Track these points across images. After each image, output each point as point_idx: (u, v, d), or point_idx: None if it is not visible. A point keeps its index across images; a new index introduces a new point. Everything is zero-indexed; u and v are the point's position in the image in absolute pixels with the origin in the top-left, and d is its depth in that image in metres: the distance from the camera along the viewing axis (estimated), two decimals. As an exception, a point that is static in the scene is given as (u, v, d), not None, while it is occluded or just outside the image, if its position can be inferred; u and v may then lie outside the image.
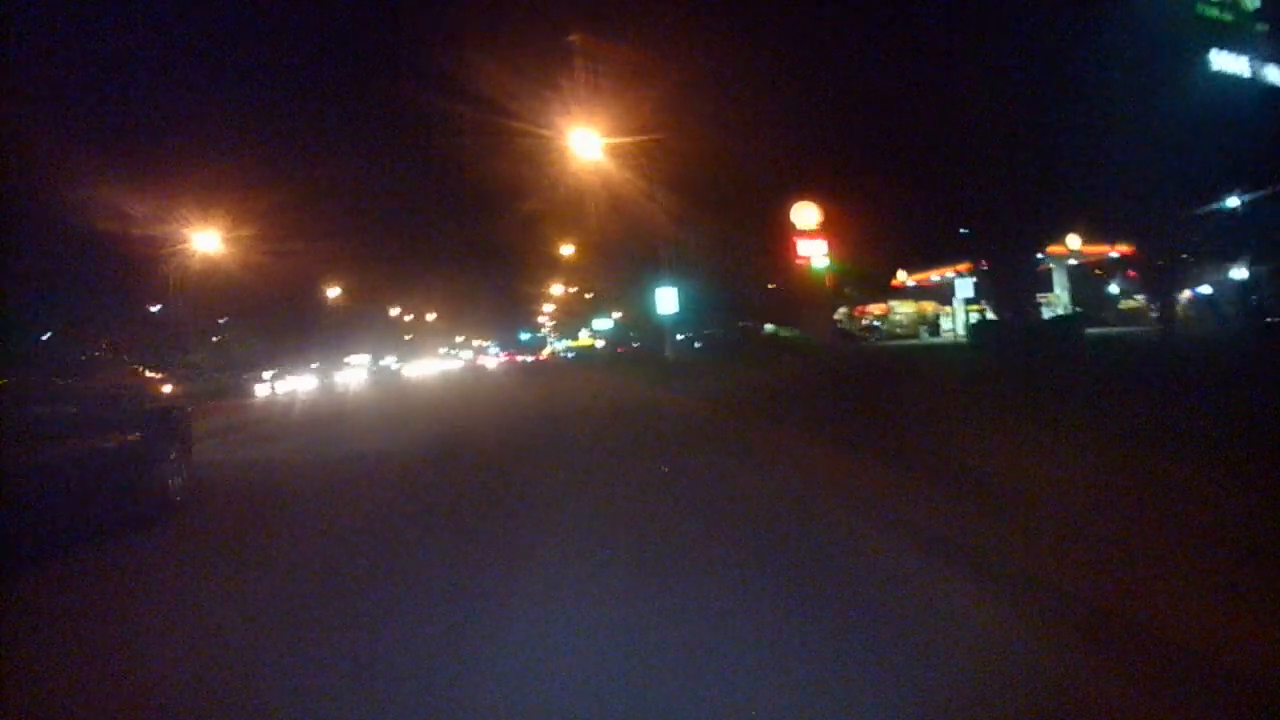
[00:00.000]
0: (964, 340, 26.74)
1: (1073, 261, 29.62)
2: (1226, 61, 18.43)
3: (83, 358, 6.10)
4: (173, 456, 6.23)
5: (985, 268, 23.84)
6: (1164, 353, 15.97)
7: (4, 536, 4.01)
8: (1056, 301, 29.73)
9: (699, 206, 32.82)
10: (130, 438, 5.68)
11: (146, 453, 5.80)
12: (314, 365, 35.06)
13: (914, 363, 21.00)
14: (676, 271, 32.37)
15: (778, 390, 15.76)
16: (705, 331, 40.33)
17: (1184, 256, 19.27)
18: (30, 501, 4.33)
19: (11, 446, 4.27)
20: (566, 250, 49.22)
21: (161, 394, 6.97)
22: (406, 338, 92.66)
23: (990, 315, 30.62)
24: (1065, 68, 17.36)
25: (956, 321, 37.61)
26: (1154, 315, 31.92)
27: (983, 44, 18.77)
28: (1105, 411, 7.68)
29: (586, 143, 26.96)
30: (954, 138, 19.31)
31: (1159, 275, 18.46)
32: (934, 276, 36.82)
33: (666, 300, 27.36)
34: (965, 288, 27.36)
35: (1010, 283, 21.59)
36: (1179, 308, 31.38)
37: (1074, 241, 27.08)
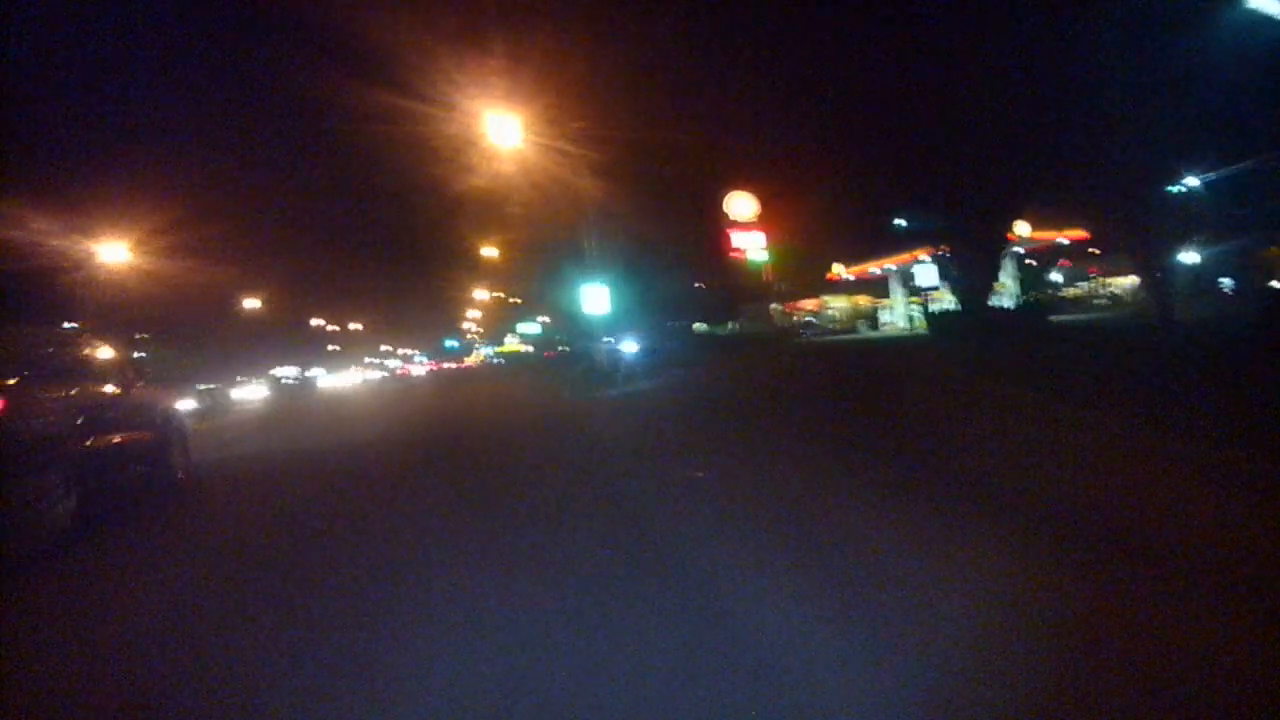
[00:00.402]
0: (919, 332, 24.04)
1: (1019, 249, 27.48)
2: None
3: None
4: (178, 449, 7.70)
5: (947, 253, 21.16)
6: (1178, 345, 13.34)
7: (92, 498, 5.48)
8: (1004, 290, 27.50)
9: (627, 199, 29.87)
10: (153, 434, 7.14)
11: (163, 445, 7.33)
12: (201, 385, 30.18)
13: (883, 358, 18.01)
14: (605, 269, 29.14)
15: (745, 392, 13.11)
16: (638, 332, 37.26)
17: (1176, 236, 16.95)
18: (103, 474, 5.87)
19: (92, 438, 5.71)
20: (490, 253, 46.28)
21: (168, 402, 8.06)
22: (332, 348, 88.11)
23: (935, 305, 28.39)
24: (1049, 31, 14.96)
25: (896, 314, 35.47)
26: (1100, 301, 30.35)
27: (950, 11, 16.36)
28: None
29: (507, 131, 23.32)
30: (927, 114, 16.89)
31: (1155, 258, 16.05)
32: (873, 269, 34.50)
33: (596, 299, 23.85)
34: (927, 274, 24.43)
35: (982, 268, 18.96)
36: (1138, 293, 29.83)
37: (1023, 228, 24.84)
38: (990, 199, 17.93)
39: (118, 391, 6.56)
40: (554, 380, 23.94)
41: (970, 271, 19.66)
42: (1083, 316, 23.12)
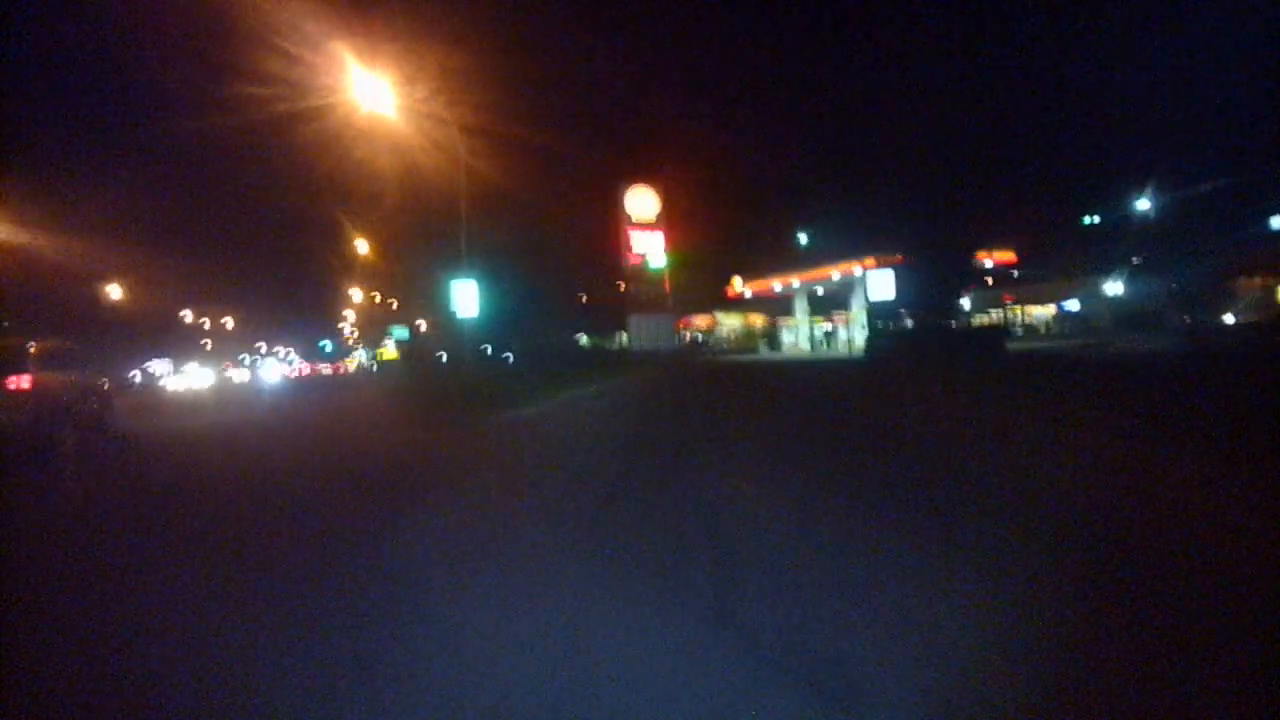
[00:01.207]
0: (852, 357, 19.24)
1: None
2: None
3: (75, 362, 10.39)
4: (108, 411, 11.41)
5: (896, 265, 16.55)
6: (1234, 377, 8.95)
7: (71, 438, 8.69)
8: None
9: (511, 192, 24.14)
10: (96, 400, 10.72)
11: (100, 407, 10.89)
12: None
13: (823, 384, 12.85)
14: (480, 268, 23.10)
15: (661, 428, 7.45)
16: (516, 343, 31.35)
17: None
18: (74, 423, 9.09)
19: (73, 403, 9.23)
20: (367, 249, 39.57)
21: (101, 381, 11.58)
22: (205, 344, 77.41)
23: (835, 327, 24.17)
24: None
25: (800, 334, 31.22)
26: (1015, 330, 27.05)
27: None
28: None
29: (382, 103, 16.99)
30: (878, 114, 12.45)
31: (1198, 280, 12.00)
32: (776, 285, 30.00)
33: (465, 298, 17.86)
34: (881, 284, 19.21)
35: (947, 284, 14.43)
36: (1052, 324, 26.72)
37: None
38: (960, 208, 13.45)
39: (83, 377, 10.16)
40: (421, 400, 17.65)
41: (930, 287, 15.02)
42: (1050, 345, 18.94)
